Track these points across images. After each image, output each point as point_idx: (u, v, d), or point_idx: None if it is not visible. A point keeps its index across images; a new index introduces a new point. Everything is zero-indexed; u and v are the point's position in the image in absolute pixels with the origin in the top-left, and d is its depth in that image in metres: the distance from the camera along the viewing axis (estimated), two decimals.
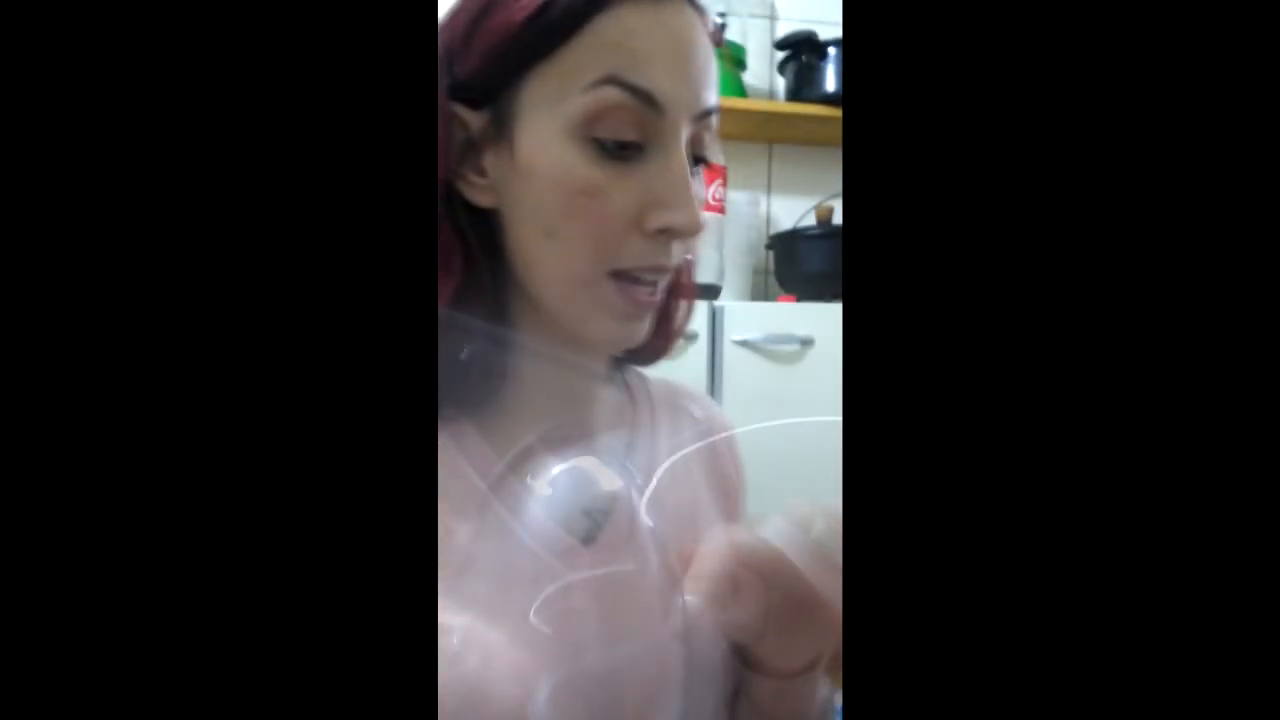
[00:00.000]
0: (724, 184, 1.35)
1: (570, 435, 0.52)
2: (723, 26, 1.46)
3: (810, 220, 1.42)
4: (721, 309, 1.21)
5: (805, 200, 1.54)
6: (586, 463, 0.51)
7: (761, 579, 0.45)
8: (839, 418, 0.30)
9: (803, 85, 1.48)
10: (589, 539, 0.49)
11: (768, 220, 1.60)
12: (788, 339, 1.22)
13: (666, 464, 0.55)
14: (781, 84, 1.57)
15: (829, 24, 1.56)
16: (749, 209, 1.48)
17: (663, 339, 0.56)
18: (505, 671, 0.42)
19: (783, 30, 1.54)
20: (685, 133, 0.44)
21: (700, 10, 0.45)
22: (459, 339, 0.46)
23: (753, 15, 1.58)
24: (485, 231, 0.46)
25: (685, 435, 0.58)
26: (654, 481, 0.53)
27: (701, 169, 0.48)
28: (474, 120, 0.45)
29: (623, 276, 0.45)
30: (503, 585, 0.45)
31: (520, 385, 0.50)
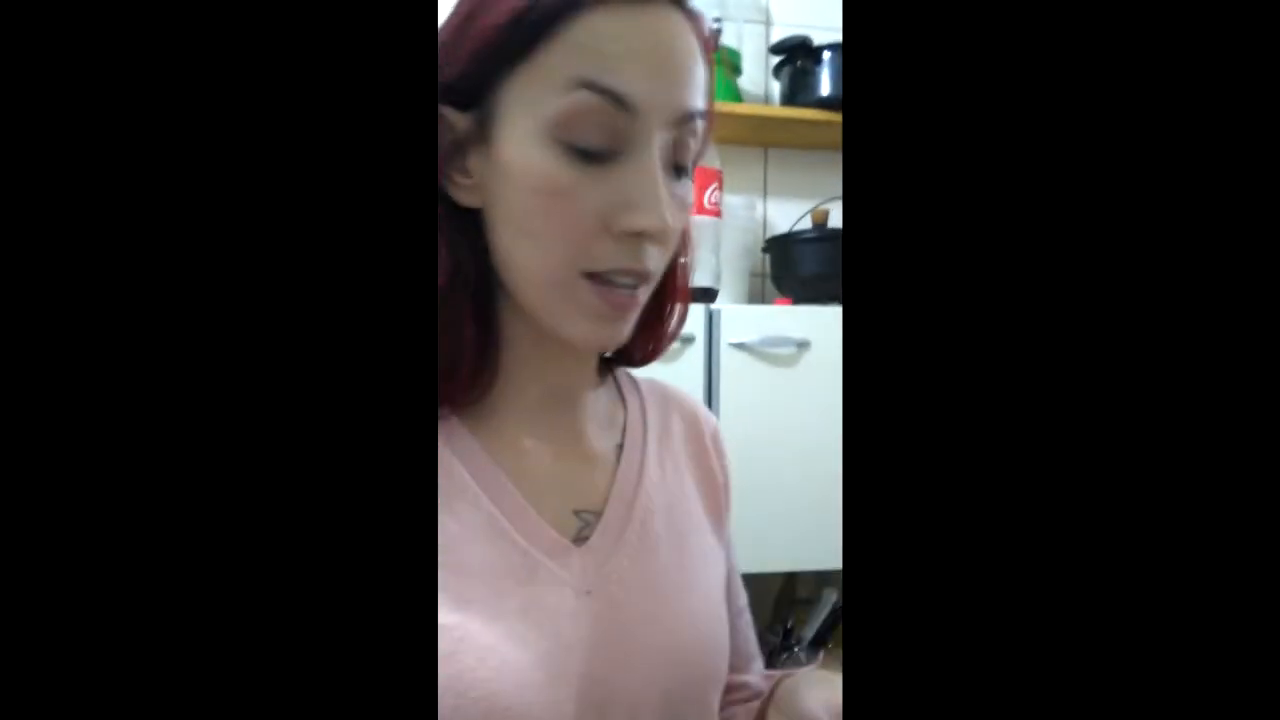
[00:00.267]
0: (720, 188, 1.35)
1: (559, 434, 0.52)
2: (718, 32, 1.47)
3: (806, 223, 1.43)
4: (718, 312, 1.21)
5: (801, 204, 1.55)
6: (579, 463, 0.52)
7: None
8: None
9: (798, 90, 1.49)
10: (580, 538, 0.49)
11: (764, 224, 1.60)
12: (784, 342, 1.22)
13: (655, 463, 0.55)
14: (777, 88, 1.58)
15: (824, 29, 1.57)
16: (745, 212, 1.49)
17: (655, 341, 0.56)
18: (498, 670, 0.43)
19: (778, 35, 1.54)
20: (663, 136, 0.44)
21: (690, 15, 0.45)
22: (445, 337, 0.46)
23: (748, 20, 1.58)
24: (471, 231, 0.47)
25: (674, 434, 0.59)
26: (643, 480, 0.54)
27: (688, 173, 0.47)
28: (460, 121, 0.45)
29: (596, 278, 0.45)
30: (494, 584, 0.45)
31: (509, 384, 0.50)
